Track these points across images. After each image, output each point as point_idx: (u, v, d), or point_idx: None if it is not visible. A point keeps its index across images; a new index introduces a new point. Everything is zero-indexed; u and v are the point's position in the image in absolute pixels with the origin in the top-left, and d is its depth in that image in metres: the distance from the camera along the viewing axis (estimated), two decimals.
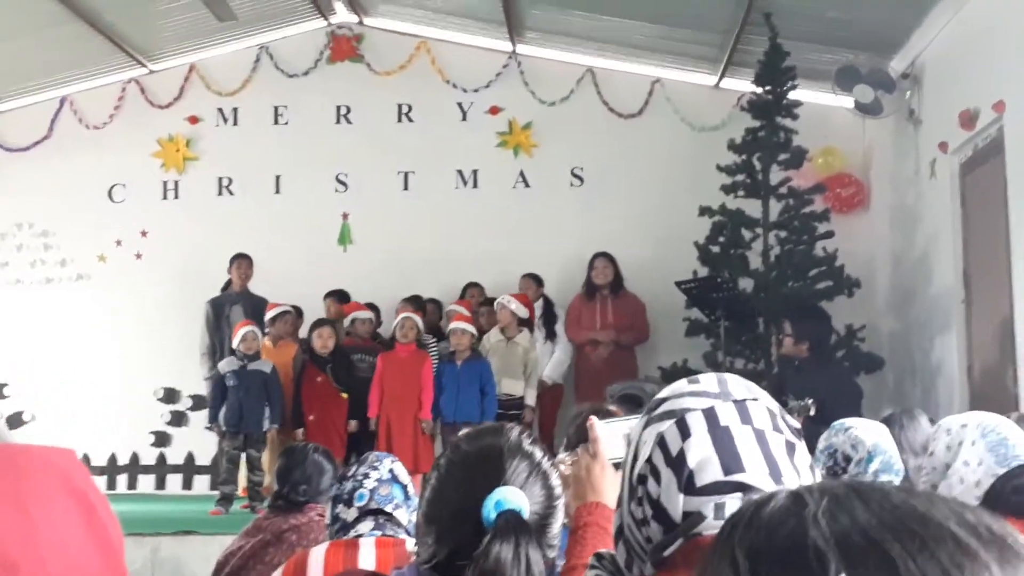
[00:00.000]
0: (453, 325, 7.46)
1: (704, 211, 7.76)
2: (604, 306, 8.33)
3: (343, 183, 9.48)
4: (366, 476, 2.59)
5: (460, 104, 9.45)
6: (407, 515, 2.57)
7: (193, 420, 9.13)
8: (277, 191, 9.49)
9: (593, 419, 1.89)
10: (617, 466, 1.84)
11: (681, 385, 1.23)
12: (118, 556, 0.97)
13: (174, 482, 9.22)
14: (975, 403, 6.43)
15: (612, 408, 2.70)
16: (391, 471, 2.62)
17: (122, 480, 9.22)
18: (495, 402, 7.32)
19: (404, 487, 2.62)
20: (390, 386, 7.37)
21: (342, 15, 9.63)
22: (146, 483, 9.25)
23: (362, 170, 9.42)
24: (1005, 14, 5.85)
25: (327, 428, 7.40)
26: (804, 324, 6.78)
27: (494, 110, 9.42)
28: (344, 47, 9.64)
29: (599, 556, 1.30)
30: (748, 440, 1.15)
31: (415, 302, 8.37)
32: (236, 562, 3.19)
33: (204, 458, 8.99)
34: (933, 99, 7.29)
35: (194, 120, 9.63)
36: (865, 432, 2.92)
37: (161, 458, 9.28)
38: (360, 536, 2.52)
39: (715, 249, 7.83)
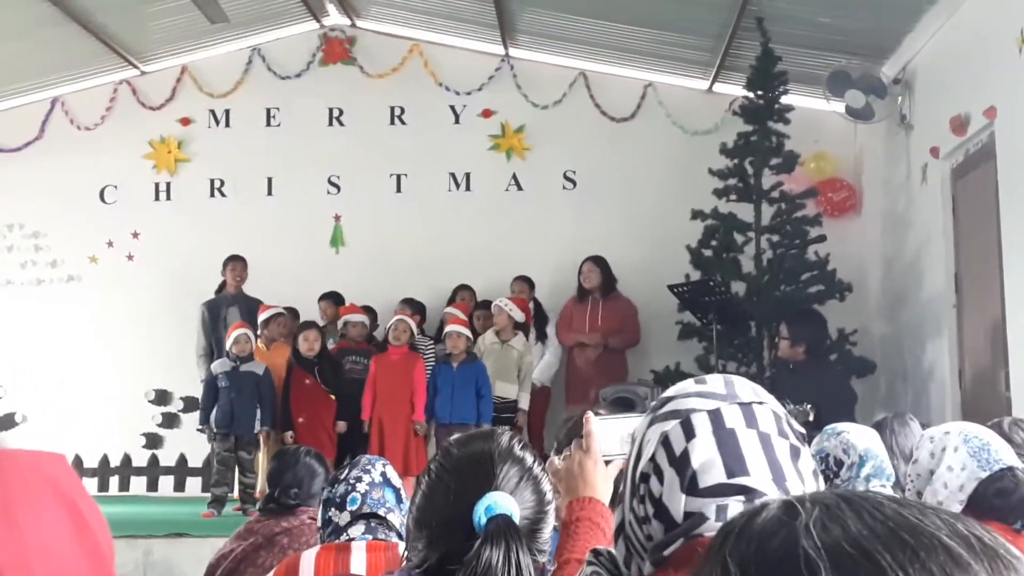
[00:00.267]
0: (449, 328, 7.49)
1: (696, 215, 7.77)
2: (595, 309, 8.33)
3: (335, 185, 9.47)
4: (358, 480, 2.58)
5: (453, 107, 9.45)
6: (399, 519, 2.56)
7: (185, 422, 9.10)
8: (269, 193, 9.47)
9: (589, 414, 1.89)
10: (609, 462, 1.84)
11: (687, 385, 1.23)
12: (107, 563, 0.97)
13: (166, 484, 9.19)
14: (966, 407, 6.44)
15: (603, 412, 2.70)
16: (383, 474, 2.61)
17: (114, 482, 9.18)
18: (491, 404, 7.36)
19: (397, 491, 2.61)
20: (382, 388, 7.39)
21: (334, 17, 9.61)
22: (138, 485, 9.21)
23: (354, 172, 9.40)
24: (997, 20, 5.86)
25: (316, 429, 7.40)
26: (800, 327, 6.78)
27: (487, 113, 9.42)
28: (336, 49, 9.63)
29: (596, 552, 1.30)
30: (753, 443, 1.15)
31: (412, 305, 8.36)
32: (228, 565, 3.19)
33: (196, 460, 8.95)
34: (924, 104, 7.30)
35: (186, 122, 9.60)
36: (856, 437, 2.92)
37: (153, 460, 9.25)
38: (352, 540, 2.51)
39: (707, 253, 7.84)
